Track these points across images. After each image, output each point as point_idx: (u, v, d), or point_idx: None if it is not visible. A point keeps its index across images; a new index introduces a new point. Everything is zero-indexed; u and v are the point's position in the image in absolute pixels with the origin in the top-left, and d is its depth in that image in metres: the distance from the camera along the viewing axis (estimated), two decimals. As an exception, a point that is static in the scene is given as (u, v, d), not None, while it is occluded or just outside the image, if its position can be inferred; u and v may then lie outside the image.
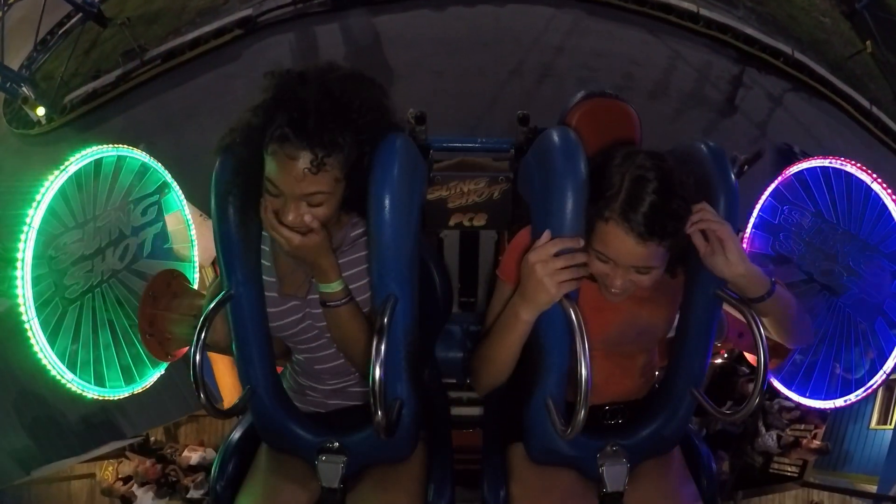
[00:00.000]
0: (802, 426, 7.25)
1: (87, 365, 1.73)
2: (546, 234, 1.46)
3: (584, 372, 1.35)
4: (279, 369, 1.79)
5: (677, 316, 1.65)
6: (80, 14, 8.17)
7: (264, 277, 1.63)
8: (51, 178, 1.63)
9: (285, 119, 1.33)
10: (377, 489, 1.69)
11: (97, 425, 5.92)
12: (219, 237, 1.55)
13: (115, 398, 1.82)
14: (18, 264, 1.55)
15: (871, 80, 8.64)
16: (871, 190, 1.65)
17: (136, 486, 7.36)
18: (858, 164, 1.70)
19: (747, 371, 6.53)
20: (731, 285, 1.51)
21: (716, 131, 7.48)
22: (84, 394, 1.73)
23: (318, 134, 1.33)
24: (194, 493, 7.15)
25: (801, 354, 1.82)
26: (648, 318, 1.63)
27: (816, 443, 7.11)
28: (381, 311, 1.44)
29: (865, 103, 8.18)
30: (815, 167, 1.81)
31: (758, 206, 1.99)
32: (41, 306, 1.60)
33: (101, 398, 1.77)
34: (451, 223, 2.08)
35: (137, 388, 1.86)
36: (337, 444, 1.69)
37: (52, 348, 1.63)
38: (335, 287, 1.52)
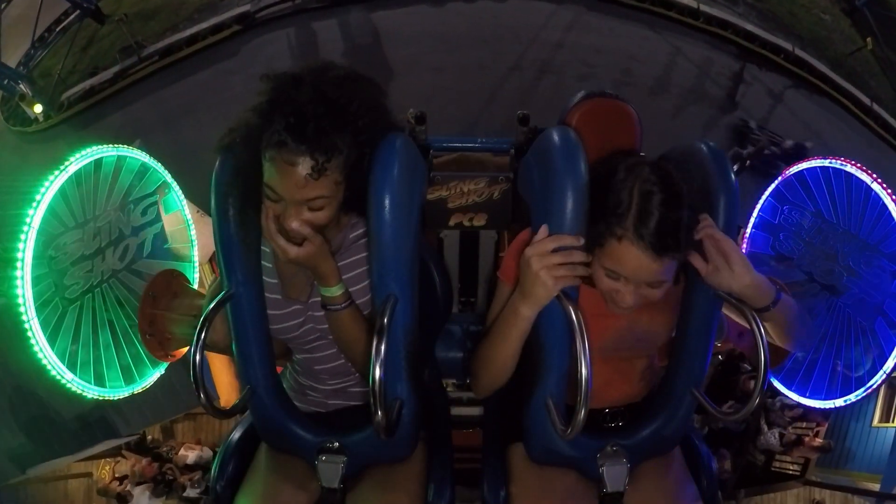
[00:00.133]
0: (804, 424, 7.24)
1: (87, 365, 1.73)
2: (543, 230, 1.45)
3: (584, 371, 1.35)
4: (279, 369, 1.79)
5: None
6: (78, 11, 8.16)
7: (267, 279, 1.63)
8: (51, 178, 1.63)
9: (282, 124, 1.32)
10: (377, 489, 1.69)
11: (92, 424, 5.90)
12: (219, 237, 1.55)
13: (115, 398, 1.81)
14: (18, 264, 1.55)
15: (871, 76, 8.64)
16: (871, 190, 1.65)
17: (132, 484, 7.34)
18: (858, 164, 1.70)
19: (749, 368, 6.54)
20: (738, 297, 1.50)
21: (716, 127, 7.49)
22: (84, 394, 1.73)
23: (316, 139, 1.32)
24: (191, 492, 7.15)
25: (802, 354, 1.82)
26: (648, 324, 1.62)
27: (819, 441, 7.11)
28: (381, 311, 1.44)
29: (866, 100, 8.18)
30: (815, 167, 1.80)
31: (758, 206, 2.00)
32: (41, 306, 1.60)
33: (101, 398, 1.77)
34: (451, 223, 2.08)
35: (137, 388, 1.86)
36: (337, 444, 1.69)
37: (52, 348, 1.63)
38: (335, 291, 1.53)
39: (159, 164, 1.94)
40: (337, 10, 8.07)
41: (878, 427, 7.58)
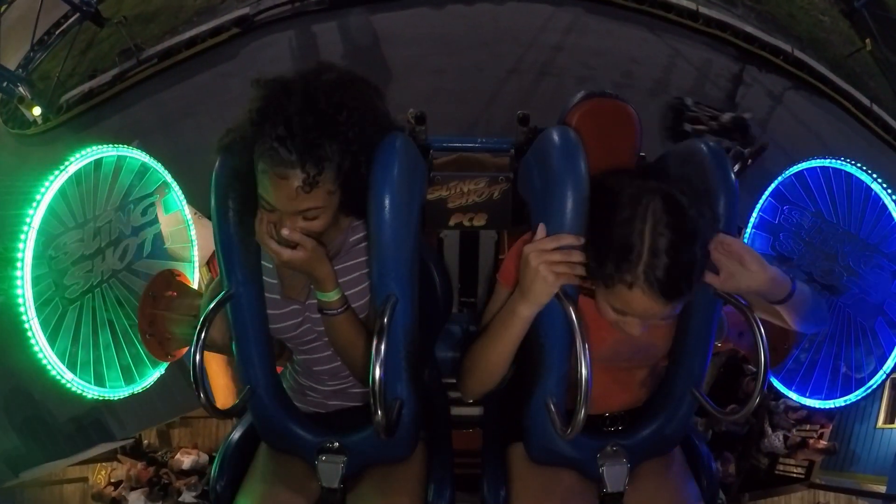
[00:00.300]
0: (808, 426, 7.21)
1: (87, 365, 1.72)
2: (542, 228, 1.45)
3: (584, 371, 1.35)
4: (279, 369, 1.79)
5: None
6: (78, 14, 8.16)
7: (267, 279, 1.63)
8: (51, 178, 1.63)
9: (272, 137, 1.32)
10: (377, 489, 1.70)
11: (86, 427, 5.88)
12: (219, 237, 1.55)
13: (115, 398, 1.81)
14: (18, 264, 1.55)
15: (870, 77, 8.65)
16: (871, 190, 1.65)
17: (126, 490, 7.31)
18: (859, 164, 1.70)
19: (753, 370, 6.53)
20: (756, 294, 1.49)
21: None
22: (84, 394, 1.73)
23: (306, 152, 1.31)
24: (187, 497, 7.09)
25: (802, 354, 1.82)
26: (647, 337, 1.60)
27: (823, 443, 7.07)
28: (381, 312, 1.45)
29: (866, 101, 8.19)
30: (815, 167, 1.80)
31: (758, 206, 2.00)
32: (41, 306, 1.60)
33: (101, 398, 1.77)
34: (451, 223, 2.08)
35: (137, 388, 1.86)
36: (337, 444, 1.69)
37: (52, 348, 1.63)
38: (332, 297, 1.53)
39: (159, 163, 1.94)
40: (336, 13, 8.07)
41: (883, 428, 7.56)
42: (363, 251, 1.58)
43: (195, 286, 2.04)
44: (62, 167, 1.65)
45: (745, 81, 8.17)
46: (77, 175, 1.68)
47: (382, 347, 1.36)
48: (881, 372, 1.68)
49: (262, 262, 1.62)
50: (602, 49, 7.97)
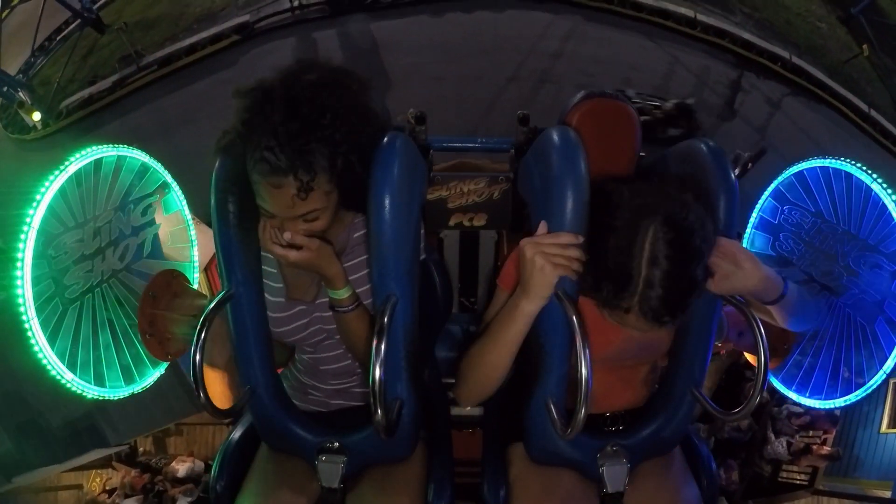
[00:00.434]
0: (811, 432, 7.17)
1: (87, 365, 1.72)
2: (543, 226, 1.46)
3: (584, 371, 1.35)
4: (279, 369, 1.79)
5: None
6: (79, 20, 8.18)
7: (271, 283, 1.63)
8: (51, 178, 1.62)
9: (261, 148, 1.32)
10: (377, 489, 1.70)
11: (81, 432, 5.82)
12: (218, 237, 1.56)
13: (115, 398, 1.81)
14: (18, 264, 1.54)
15: (868, 83, 8.68)
16: (871, 190, 1.65)
17: (121, 497, 7.27)
18: (859, 164, 1.70)
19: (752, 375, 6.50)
20: (750, 294, 1.50)
21: (715, 136, 7.50)
22: (84, 394, 1.72)
23: (295, 159, 1.32)
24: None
25: (801, 355, 1.82)
26: (652, 334, 1.62)
27: (826, 449, 7.02)
28: (381, 311, 1.45)
29: (864, 106, 8.22)
30: (815, 167, 1.81)
31: (758, 207, 2.00)
32: (41, 306, 1.59)
33: (101, 398, 1.76)
34: (451, 223, 2.08)
35: (137, 388, 1.85)
36: (337, 443, 1.69)
37: (52, 348, 1.63)
38: (343, 294, 1.54)
39: (159, 164, 1.94)
40: (336, 21, 8.10)
41: (887, 433, 7.52)
42: (363, 248, 1.59)
43: (195, 286, 2.04)
44: (62, 167, 1.65)
45: (743, 88, 8.20)
46: (77, 175, 1.68)
47: (382, 347, 1.36)
48: (881, 372, 1.67)
49: (266, 267, 1.62)
50: (601, 56, 8.00)
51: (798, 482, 7.26)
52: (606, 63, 7.94)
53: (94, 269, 1.75)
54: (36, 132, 7.62)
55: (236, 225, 1.53)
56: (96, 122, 7.62)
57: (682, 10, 8.40)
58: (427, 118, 1.93)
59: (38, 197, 1.59)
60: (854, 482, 7.50)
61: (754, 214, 2.02)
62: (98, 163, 1.75)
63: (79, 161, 1.68)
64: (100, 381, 1.76)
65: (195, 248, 2.09)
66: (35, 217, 1.57)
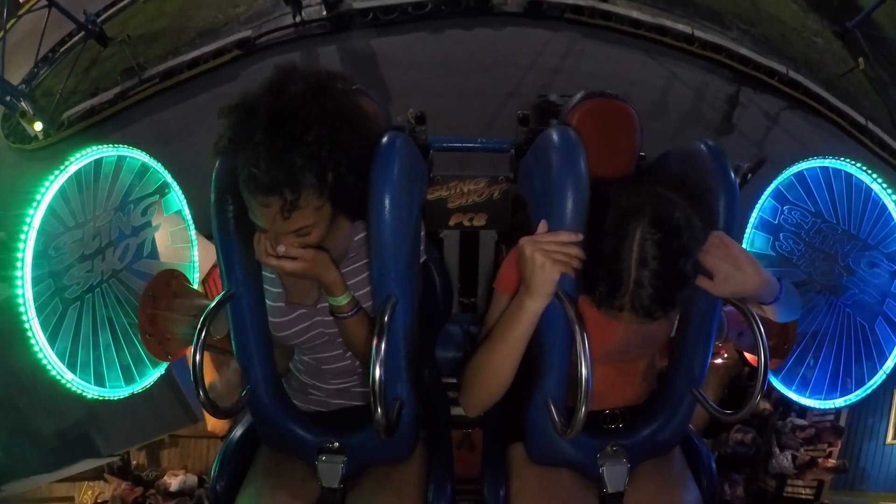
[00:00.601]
0: (816, 445, 7.11)
1: (87, 365, 1.71)
2: (543, 225, 1.46)
3: (584, 371, 1.35)
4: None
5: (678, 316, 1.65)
6: (82, 32, 8.22)
7: (271, 288, 1.63)
8: (51, 178, 1.62)
9: (247, 165, 1.31)
10: (377, 489, 1.69)
11: (72, 441, 5.73)
12: (218, 237, 1.56)
13: (115, 398, 1.80)
14: (18, 264, 1.54)
15: (864, 96, 8.73)
16: (871, 190, 1.65)
17: (111, 509, 7.21)
18: (859, 164, 1.70)
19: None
20: (749, 296, 1.50)
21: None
22: (84, 393, 1.71)
23: (280, 179, 1.30)
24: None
25: (801, 355, 1.82)
26: (653, 326, 1.62)
27: (832, 461, 6.92)
28: (381, 311, 1.45)
29: (861, 119, 8.26)
30: (815, 167, 1.81)
31: (758, 207, 2.00)
32: (41, 306, 1.59)
33: (101, 398, 1.76)
34: (451, 223, 2.08)
35: (137, 388, 1.84)
36: (337, 444, 1.69)
37: (52, 348, 1.62)
38: (342, 300, 1.54)
39: (159, 164, 1.95)
40: (337, 37, 8.14)
41: (893, 444, 7.43)
42: (364, 252, 1.59)
43: (195, 286, 2.03)
44: (62, 167, 1.64)
45: (741, 102, 8.24)
46: (77, 175, 1.67)
47: (382, 347, 1.36)
48: (881, 372, 1.67)
49: (266, 273, 1.63)
50: (600, 72, 8.04)
51: (804, 497, 7.15)
52: (605, 79, 7.97)
53: (94, 269, 1.75)
54: (37, 142, 7.64)
55: (236, 225, 1.53)
56: (98, 134, 7.64)
57: (680, 27, 8.46)
58: (427, 118, 1.94)
59: (38, 197, 1.59)
60: (861, 495, 7.40)
61: (754, 214, 2.02)
62: (98, 163, 1.74)
63: (79, 161, 1.68)
64: (100, 381, 1.75)
65: (195, 248, 2.09)
66: (35, 217, 1.57)
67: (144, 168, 1.91)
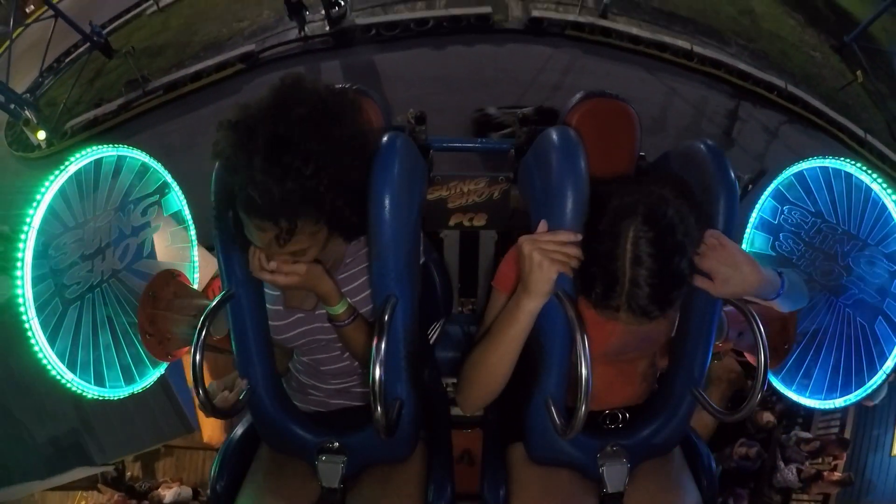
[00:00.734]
0: (821, 458, 7.04)
1: (87, 365, 1.71)
2: (543, 224, 1.46)
3: (584, 371, 1.34)
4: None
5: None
6: (88, 44, 8.31)
7: (270, 291, 1.64)
8: (51, 178, 1.63)
9: (243, 188, 1.28)
10: (377, 489, 1.69)
11: (65, 449, 5.69)
12: (218, 237, 1.56)
13: (115, 398, 1.79)
14: (18, 264, 1.54)
15: (863, 109, 8.79)
16: (871, 190, 1.65)
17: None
18: (858, 164, 1.70)
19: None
20: (750, 295, 1.50)
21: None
22: (84, 393, 1.71)
23: (275, 207, 1.28)
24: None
25: (801, 355, 1.81)
26: (651, 326, 1.62)
27: (837, 474, 6.86)
28: (381, 311, 1.45)
29: (860, 132, 8.31)
30: (815, 167, 1.81)
31: (758, 207, 2.00)
32: (41, 306, 1.59)
33: (101, 398, 1.75)
34: (451, 223, 2.08)
35: (137, 388, 1.84)
36: (337, 444, 1.68)
37: (52, 348, 1.61)
38: (338, 309, 1.54)
39: (159, 164, 1.95)
40: (340, 52, 8.21)
41: (898, 456, 7.41)
42: (365, 257, 1.58)
43: (195, 286, 2.03)
44: (62, 167, 1.65)
45: (740, 117, 8.29)
46: (77, 175, 1.67)
47: (382, 347, 1.36)
48: (881, 372, 1.66)
49: None
50: (600, 88, 8.09)
51: (810, 511, 7.11)
52: (605, 95, 8.01)
53: (94, 269, 1.75)
54: (40, 151, 7.69)
55: (236, 226, 1.53)
56: (100, 144, 7.69)
57: (679, 43, 8.53)
58: (427, 118, 1.94)
59: (38, 197, 1.59)
60: (867, 508, 7.35)
61: (754, 214, 2.02)
62: (98, 163, 1.74)
63: (79, 161, 1.68)
64: (100, 381, 1.75)
65: (195, 249, 2.09)
66: (35, 217, 1.57)
67: (144, 168, 1.91)
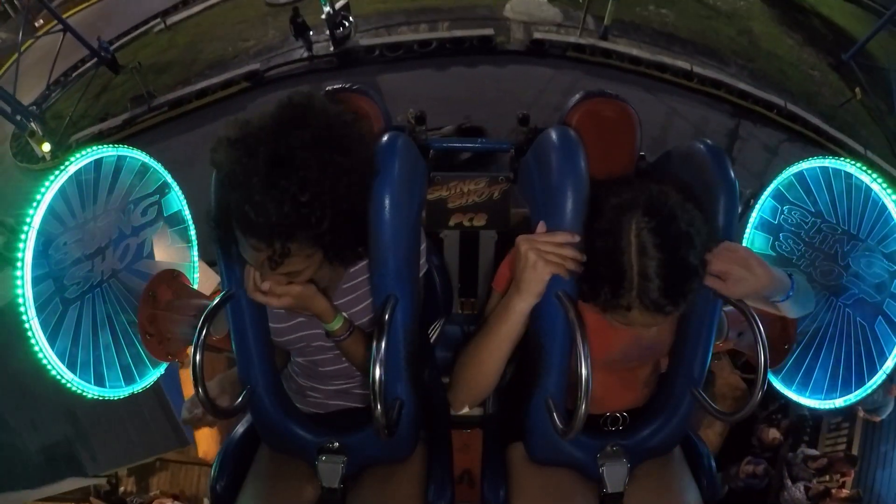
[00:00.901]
0: (829, 476, 6.96)
1: (87, 365, 1.70)
2: (541, 225, 1.46)
3: (583, 371, 1.34)
4: None
5: None
6: (95, 59, 8.41)
7: None
8: (51, 178, 1.63)
9: (239, 206, 1.27)
10: (377, 489, 1.69)
11: (58, 458, 5.60)
12: (218, 238, 1.56)
13: (116, 398, 1.79)
14: (18, 264, 1.54)
15: (862, 126, 8.86)
16: (871, 190, 1.65)
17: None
18: (858, 164, 1.70)
19: (762, 415, 6.38)
20: (762, 296, 1.51)
21: None
22: (84, 393, 1.70)
23: (271, 230, 1.27)
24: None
25: (801, 355, 1.80)
26: (653, 335, 1.62)
27: (846, 492, 6.77)
28: (381, 311, 1.45)
29: (860, 148, 8.37)
30: (815, 167, 1.81)
31: (758, 207, 2.00)
32: (41, 306, 1.59)
33: (101, 398, 1.74)
34: (451, 223, 2.08)
35: (138, 388, 1.83)
36: (337, 444, 1.68)
37: (52, 348, 1.61)
38: (335, 326, 1.54)
39: (159, 164, 1.96)
40: (344, 72, 8.30)
41: (907, 471, 7.32)
42: (366, 268, 1.58)
43: (195, 286, 2.03)
44: (62, 167, 1.65)
45: (741, 136, 8.36)
46: (77, 175, 1.67)
47: (382, 347, 1.36)
48: (881, 372, 1.65)
49: None
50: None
51: (818, 529, 7.00)
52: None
53: (94, 269, 1.74)
54: (45, 163, 7.74)
55: (234, 240, 1.52)
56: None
57: (679, 63, 8.63)
58: (427, 118, 1.95)
59: (38, 197, 1.59)
60: (877, 524, 7.25)
61: (754, 214, 2.02)
62: (98, 163, 1.74)
63: (79, 161, 1.67)
64: (100, 381, 1.74)
65: (195, 249, 2.09)
66: (35, 217, 1.56)
67: (144, 168, 1.91)
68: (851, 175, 1.72)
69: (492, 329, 1.51)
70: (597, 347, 1.43)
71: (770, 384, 1.84)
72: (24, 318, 1.56)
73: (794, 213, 1.88)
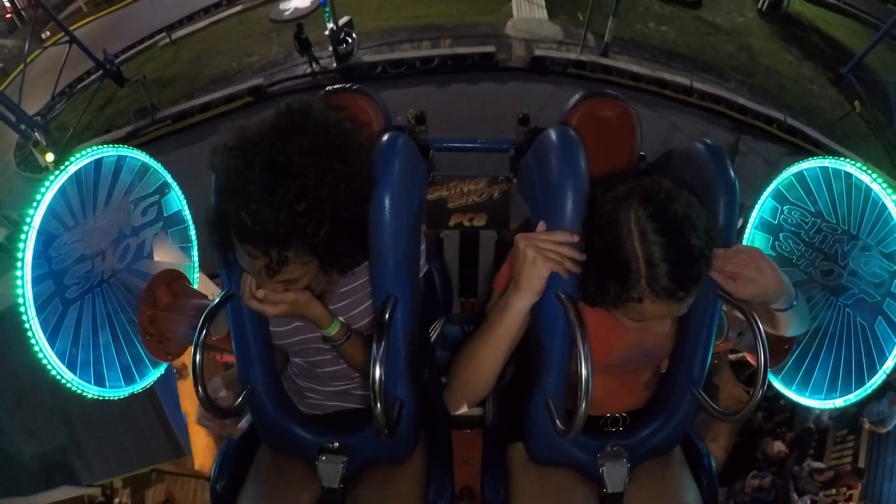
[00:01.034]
0: (835, 489, 6.90)
1: (87, 365, 1.70)
2: (542, 225, 1.46)
3: (583, 371, 1.34)
4: None
5: None
6: (100, 71, 8.47)
7: None
8: (51, 178, 1.63)
9: (236, 213, 1.26)
10: (377, 489, 1.69)
11: (52, 466, 5.55)
12: (219, 238, 1.56)
13: (116, 398, 1.78)
14: (18, 264, 1.54)
15: (862, 138, 8.89)
16: (871, 190, 1.65)
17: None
18: (858, 164, 1.71)
19: (767, 427, 6.32)
20: (769, 299, 1.50)
21: None
22: (84, 393, 1.70)
23: (267, 239, 1.27)
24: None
25: (801, 355, 1.80)
26: (655, 339, 1.61)
27: (853, 504, 6.77)
28: (381, 311, 1.45)
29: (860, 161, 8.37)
30: (815, 167, 1.81)
31: (758, 207, 2.00)
32: (41, 306, 1.59)
33: (101, 398, 1.74)
34: (451, 223, 2.08)
35: (138, 388, 1.83)
36: (337, 444, 1.67)
37: (52, 348, 1.61)
38: (331, 331, 1.54)
39: (159, 164, 1.97)
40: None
41: (914, 483, 7.25)
42: (364, 271, 1.59)
43: (195, 286, 2.03)
44: (62, 167, 1.65)
45: (741, 151, 8.38)
46: (77, 175, 1.67)
47: (382, 347, 1.35)
48: (881, 372, 1.65)
49: None
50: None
51: (824, 542, 6.93)
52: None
53: (95, 269, 1.74)
54: (48, 173, 7.76)
55: (231, 247, 1.52)
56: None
57: (679, 79, 8.68)
58: (427, 118, 1.96)
59: (38, 197, 1.59)
60: (885, 536, 7.17)
61: (754, 214, 2.02)
62: (98, 163, 1.74)
63: (79, 161, 1.67)
64: (100, 381, 1.74)
65: (195, 249, 2.09)
66: (35, 217, 1.57)
67: (144, 168, 1.91)
68: (851, 175, 1.72)
69: (490, 327, 1.51)
70: (597, 352, 1.43)
71: (770, 384, 1.83)
72: (25, 317, 1.56)
73: (794, 213, 1.88)
